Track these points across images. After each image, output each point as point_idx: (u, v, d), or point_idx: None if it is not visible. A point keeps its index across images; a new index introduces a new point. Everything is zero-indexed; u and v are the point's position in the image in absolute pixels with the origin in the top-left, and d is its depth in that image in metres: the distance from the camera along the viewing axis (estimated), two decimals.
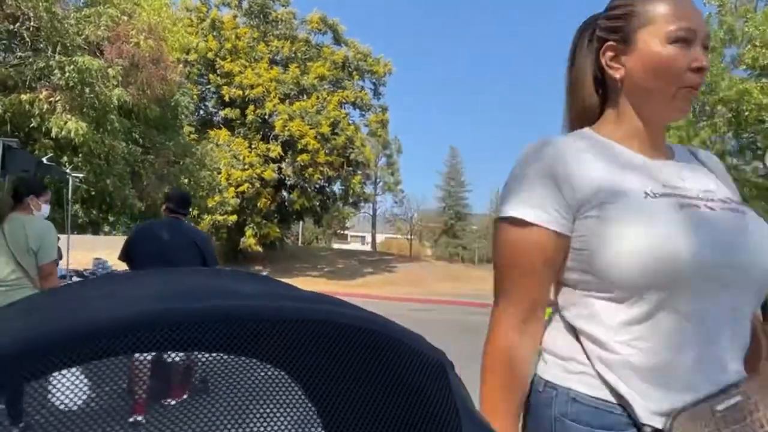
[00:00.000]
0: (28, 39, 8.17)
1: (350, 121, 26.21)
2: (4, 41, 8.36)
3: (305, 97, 24.93)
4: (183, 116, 12.48)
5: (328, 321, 0.38)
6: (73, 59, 8.04)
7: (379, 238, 47.56)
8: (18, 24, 7.93)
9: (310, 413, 0.40)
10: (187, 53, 23.09)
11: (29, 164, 5.72)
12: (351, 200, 28.26)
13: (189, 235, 3.88)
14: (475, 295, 21.52)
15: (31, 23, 7.92)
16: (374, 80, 28.30)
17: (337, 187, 28.33)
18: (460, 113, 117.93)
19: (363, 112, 28.06)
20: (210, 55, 23.76)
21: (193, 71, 23.09)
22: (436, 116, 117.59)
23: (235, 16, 25.87)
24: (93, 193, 9.59)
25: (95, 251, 18.66)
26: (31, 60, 8.15)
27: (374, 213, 39.59)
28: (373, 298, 19.53)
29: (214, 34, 24.09)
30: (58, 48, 8.09)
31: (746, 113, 15.27)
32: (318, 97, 24.76)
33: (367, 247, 48.84)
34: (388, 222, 45.83)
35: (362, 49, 27.40)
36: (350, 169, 26.01)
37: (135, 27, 9.35)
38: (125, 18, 9.39)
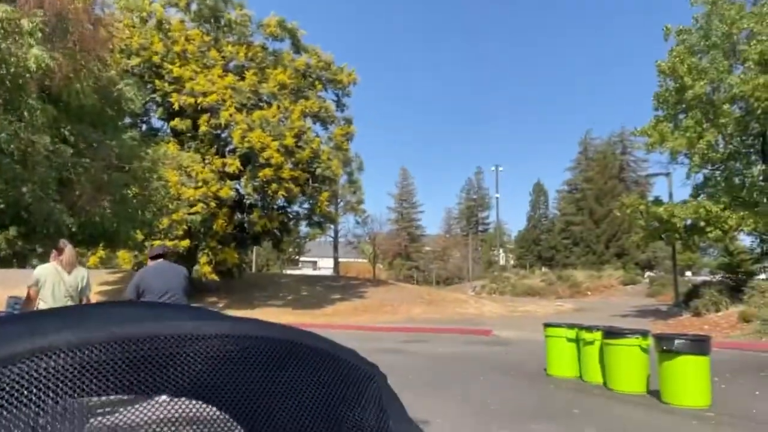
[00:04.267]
0: None
1: (314, 134, 23.91)
2: None
3: (265, 107, 22.48)
4: (127, 111, 9.82)
5: (253, 336, 0.39)
6: None
7: (332, 262, 44.91)
8: None
9: (238, 427, 0.40)
10: (129, 57, 20.28)
11: None
12: (316, 220, 25.76)
13: (180, 271, 5.69)
14: (463, 320, 19.51)
15: None
16: (337, 90, 26.22)
17: (299, 207, 25.82)
18: (412, 131, 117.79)
19: (326, 125, 25.83)
20: (156, 58, 20.97)
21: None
22: (388, 133, 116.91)
23: (182, 21, 23.23)
24: (2, 205, 6.86)
25: (14, 288, 15.37)
26: None
27: (336, 235, 37.11)
28: (352, 329, 17.17)
29: (161, 36, 21.36)
30: None
31: (759, 109, 14.11)
32: (279, 107, 22.35)
33: (320, 273, 46.05)
34: (349, 244, 43.36)
35: (324, 57, 25.33)
36: (316, 185, 23.62)
37: None
38: None
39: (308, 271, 49.49)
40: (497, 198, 48.20)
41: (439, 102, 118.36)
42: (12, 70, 5.83)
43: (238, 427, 0.38)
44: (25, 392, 0.31)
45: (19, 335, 0.34)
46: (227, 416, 0.38)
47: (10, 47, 5.81)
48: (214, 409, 0.37)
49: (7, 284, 19.64)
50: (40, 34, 6.10)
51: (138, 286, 5.33)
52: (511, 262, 60.94)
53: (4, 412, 0.30)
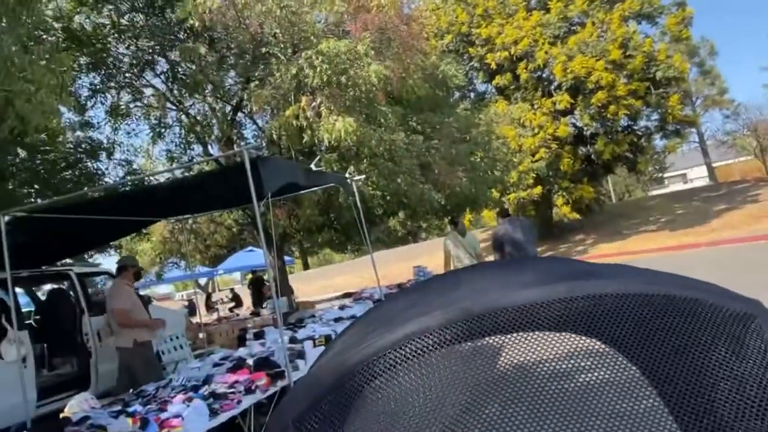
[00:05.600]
0: (280, 54, 7.63)
1: (642, 35, 21.04)
2: (262, 65, 8.00)
3: (578, 29, 21.02)
4: (454, 87, 10.82)
5: (614, 294, 0.38)
6: (318, 49, 7.04)
7: (704, 170, 38.28)
8: (263, 45, 7.42)
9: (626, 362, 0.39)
10: (441, 38, 21.97)
11: (290, 174, 4.45)
12: (671, 129, 22.67)
13: (527, 224, 7.03)
14: None
15: (276, 31, 7.30)
16: None
17: (646, 121, 23.14)
18: None
19: (654, 20, 22.35)
20: (463, 29, 22.13)
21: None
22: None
23: None
24: (388, 197, 8.56)
25: (415, 260, 18.74)
26: (283, 70, 7.55)
27: (701, 138, 31.84)
28: (751, 240, 14.49)
29: (462, 5, 22.41)
30: (302, 46, 7.26)
31: None
32: (594, 23, 20.53)
33: (692, 186, 39.90)
34: (722, 144, 36.61)
35: None
36: (660, 91, 20.77)
37: None
38: None
39: (677, 187, 43.92)
40: None
41: None
42: (363, 88, 7.29)
43: (626, 362, 0.37)
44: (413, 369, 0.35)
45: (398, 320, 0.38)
46: (614, 351, 0.37)
47: (357, 71, 7.27)
48: (599, 344, 0.37)
49: (408, 257, 24.06)
50: (372, 52, 7.38)
51: (499, 240, 6.68)
52: None
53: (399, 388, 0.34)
